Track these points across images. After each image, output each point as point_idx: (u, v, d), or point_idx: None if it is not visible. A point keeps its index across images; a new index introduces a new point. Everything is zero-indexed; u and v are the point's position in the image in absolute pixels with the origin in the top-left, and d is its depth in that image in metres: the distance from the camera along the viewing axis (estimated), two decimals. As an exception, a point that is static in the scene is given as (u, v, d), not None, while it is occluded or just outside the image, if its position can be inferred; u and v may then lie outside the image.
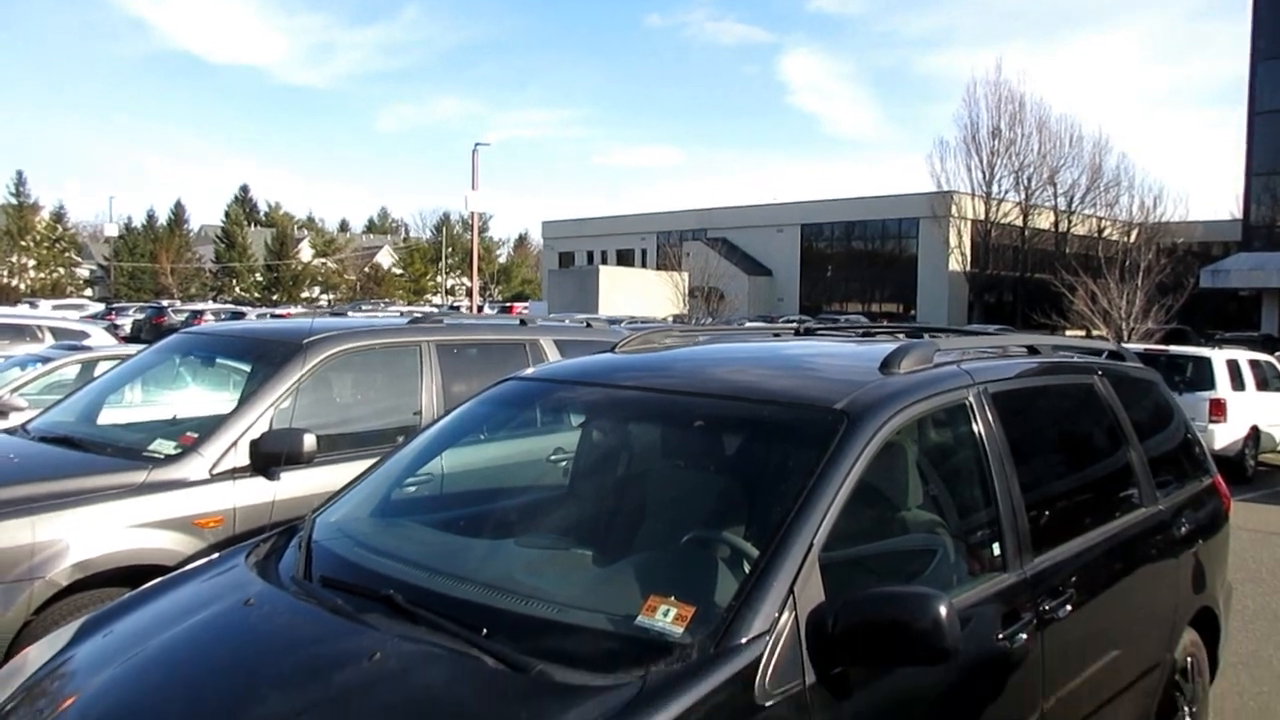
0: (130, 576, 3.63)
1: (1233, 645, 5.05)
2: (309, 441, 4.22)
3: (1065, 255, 39.89)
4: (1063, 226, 46.65)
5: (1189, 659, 3.92)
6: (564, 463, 3.69)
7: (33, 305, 37.32)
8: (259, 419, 4.37)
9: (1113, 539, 3.37)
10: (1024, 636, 2.77)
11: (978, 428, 2.98)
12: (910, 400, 2.77)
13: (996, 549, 2.87)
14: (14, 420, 5.74)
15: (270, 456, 4.22)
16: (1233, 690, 4.95)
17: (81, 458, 4.23)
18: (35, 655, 2.60)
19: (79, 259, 70.25)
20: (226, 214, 75.99)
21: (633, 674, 2.05)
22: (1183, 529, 3.82)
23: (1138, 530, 3.54)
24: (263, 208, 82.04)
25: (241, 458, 4.24)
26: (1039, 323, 30.42)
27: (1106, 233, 42.64)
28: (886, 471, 2.78)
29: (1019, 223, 46.88)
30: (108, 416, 5.01)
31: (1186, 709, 3.91)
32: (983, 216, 46.79)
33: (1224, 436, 12.19)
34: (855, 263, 53.34)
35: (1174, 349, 13.88)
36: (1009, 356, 3.58)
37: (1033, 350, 3.71)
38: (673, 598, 2.25)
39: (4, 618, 3.52)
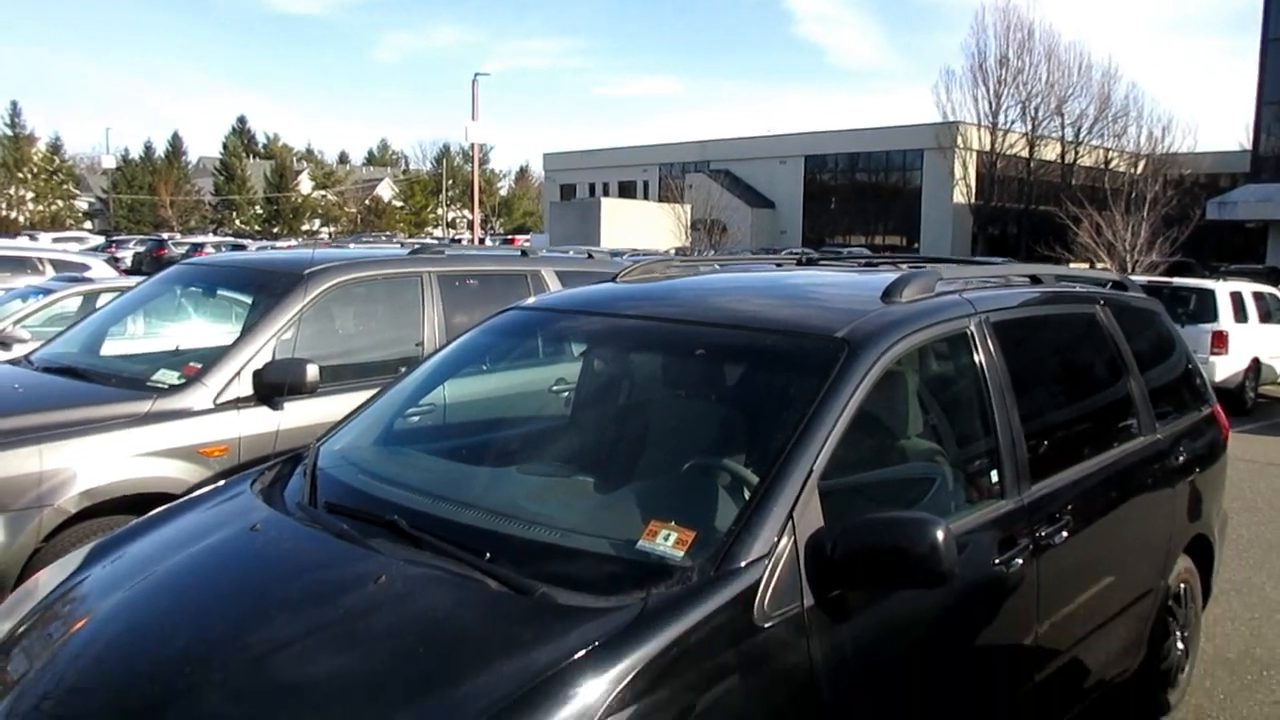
0: (138, 505, 3.67)
1: (1226, 572, 5.13)
2: (312, 371, 4.24)
3: (1071, 187, 39.47)
4: (1069, 158, 46.13)
5: (1182, 585, 3.98)
6: (566, 393, 3.70)
7: (32, 238, 37.14)
8: (261, 349, 4.38)
9: (1110, 467, 3.40)
10: (1020, 562, 2.80)
11: (978, 356, 2.98)
12: (911, 329, 2.77)
13: (995, 476, 2.89)
14: (17, 352, 5.75)
15: (273, 386, 4.24)
16: (1225, 616, 5.04)
17: (86, 388, 4.26)
18: (46, 579, 2.64)
19: (77, 191, 69.72)
20: (224, 146, 75.19)
21: (634, 596, 2.09)
22: (1180, 458, 3.85)
23: (1135, 459, 3.57)
24: (261, 140, 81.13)
25: (245, 388, 4.26)
26: (1043, 255, 30.28)
27: (1113, 164, 42.18)
28: (886, 400, 2.80)
29: (1025, 154, 46.34)
30: (111, 347, 5.02)
31: (1178, 633, 3.98)
32: (988, 148, 46.23)
33: (1225, 369, 12.21)
34: (859, 195, 52.84)
35: (1177, 281, 13.83)
36: (1011, 286, 3.57)
37: (1035, 280, 3.70)
38: (673, 523, 2.28)
39: (15, 544, 3.58)
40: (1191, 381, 4.37)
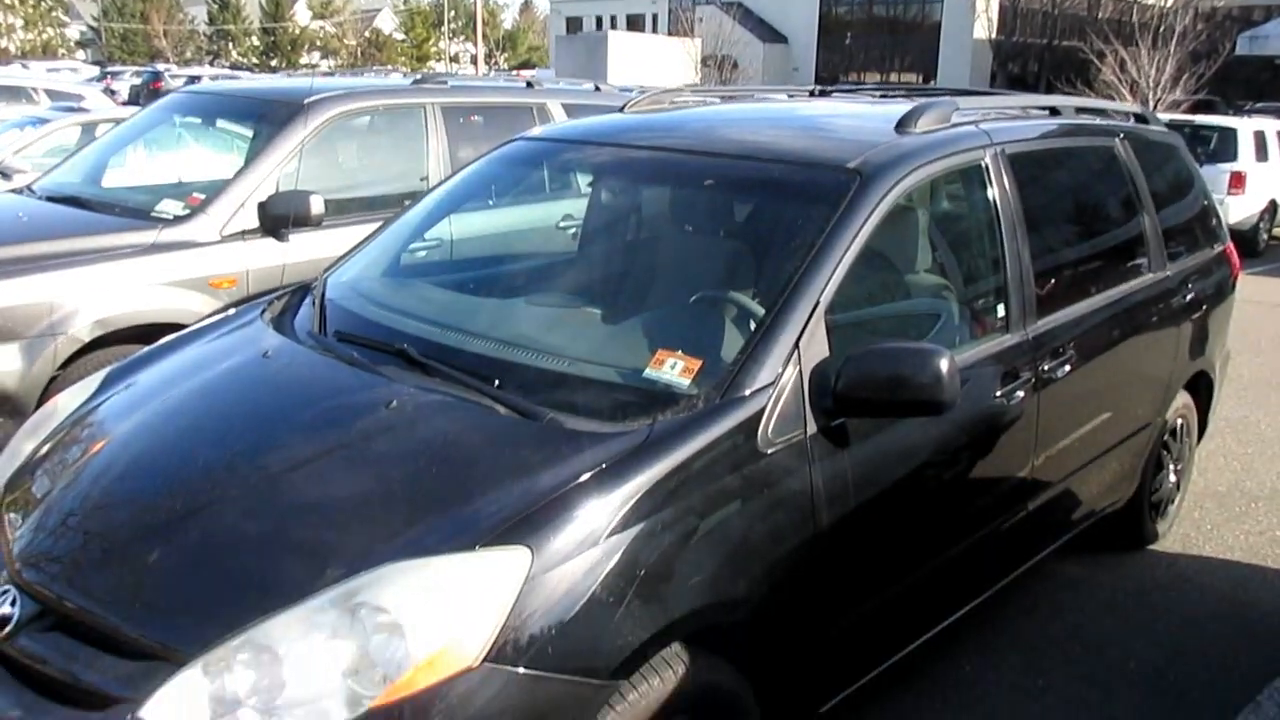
0: (149, 336, 3.70)
1: (1224, 409, 5.21)
2: (316, 203, 4.20)
3: (1097, 20, 37.88)
4: (1098, -13, 44.07)
5: (1180, 420, 4.04)
6: (572, 230, 3.68)
7: (25, 67, 36.12)
8: (264, 181, 4.33)
9: (1118, 303, 3.40)
10: (1021, 395, 2.84)
11: (992, 190, 2.93)
12: (924, 160, 2.72)
13: (1001, 311, 2.90)
14: (18, 183, 5.70)
15: (278, 219, 4.22)
16: (1219, 451, 5.15)
17: (91, 217, 4.24)
18: (65, 402, 2.69)
19: (66, 19, 67.35)
20: (216, -30, 72.11)
21: (640, 422, 2.13)
22: (1188, 295, 3.85)
23: (1143, 296, 3.56)
24: (254, -36, 77.68)
25: (250, 219, 4.24)
26: (1063, 93, 29.34)
27: (1144, -5, 40.38)
28: (896, 233, 2.77)
29: (1051, -17, 44.30)
30: (112, 178, 4.96)
31: (1172, 466, 4.07)
32: (1013, -23, 44.19)
33: (1240, 210, 12.03)
34: (875, 29, 50.74)
35: (1200, 119, 13.48)
36: (1029, 118, 3.48)
37: (1054, 112, 3.60)
38: (680, 352, 2.30)
39: (31, 371, 3.64)
40: (1206, 220, 4.32)
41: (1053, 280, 3.11)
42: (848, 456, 2.34)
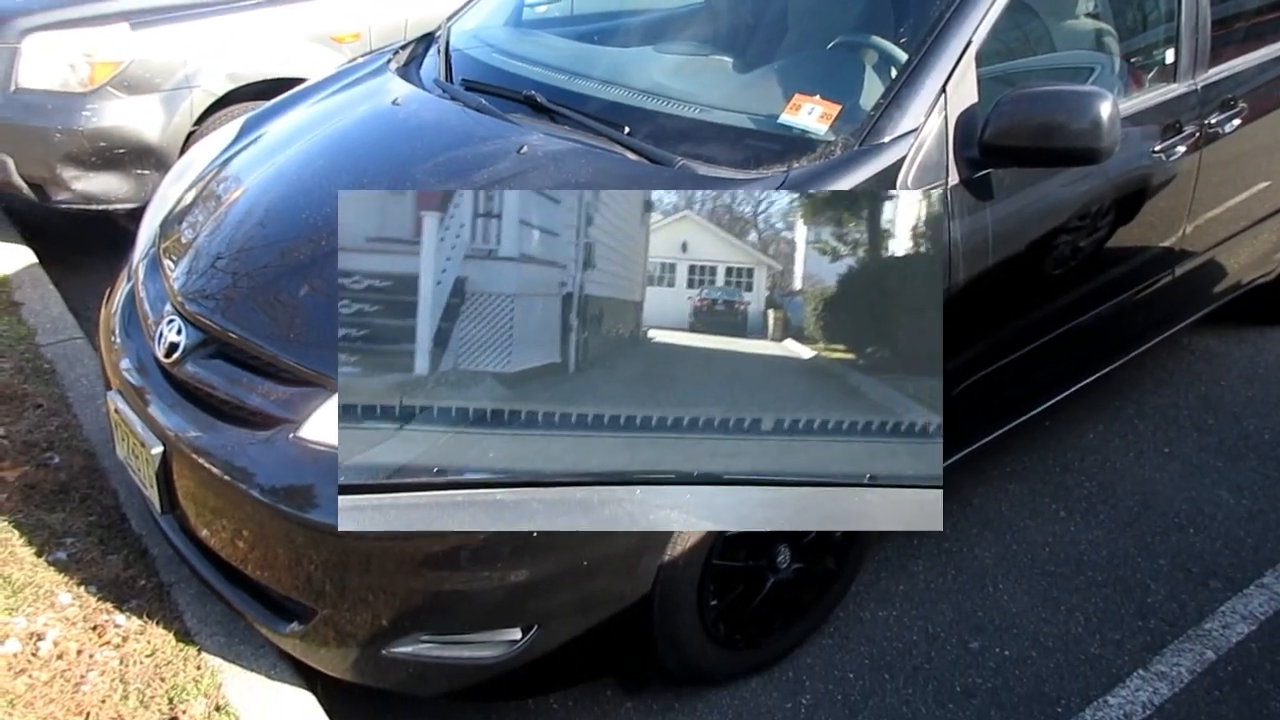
0: (276, 92, 3.74)
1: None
2: None
3: None
4: None
5: (1352, 188, 3.73)
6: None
7: None
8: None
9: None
10: (1182, 150, 2.65)
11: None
12: (1100, -120, 2.44)
13: (1170, 58, 2.66)
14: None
15: None
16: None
17: None
18: (202, 153, 2.76)
19: None
20: None
21: (775, 169, 2.07)
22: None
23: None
24: None
25: None
26: None
27: None
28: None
29: None
30: None
31: (1336, 238, 3.79)
32: None
33: None
34: None
35: None
36: None
37: None
38: (818, 96, 2.20)
39: (171, 123, 3.73)
40: None
41: (1231, 24, 2.82)
42: (989, 211, 2.25)
